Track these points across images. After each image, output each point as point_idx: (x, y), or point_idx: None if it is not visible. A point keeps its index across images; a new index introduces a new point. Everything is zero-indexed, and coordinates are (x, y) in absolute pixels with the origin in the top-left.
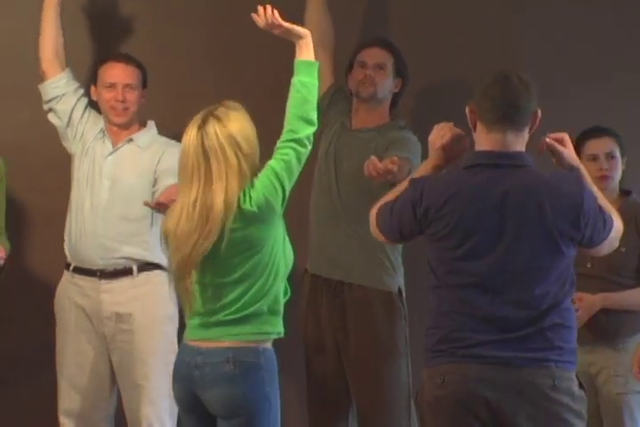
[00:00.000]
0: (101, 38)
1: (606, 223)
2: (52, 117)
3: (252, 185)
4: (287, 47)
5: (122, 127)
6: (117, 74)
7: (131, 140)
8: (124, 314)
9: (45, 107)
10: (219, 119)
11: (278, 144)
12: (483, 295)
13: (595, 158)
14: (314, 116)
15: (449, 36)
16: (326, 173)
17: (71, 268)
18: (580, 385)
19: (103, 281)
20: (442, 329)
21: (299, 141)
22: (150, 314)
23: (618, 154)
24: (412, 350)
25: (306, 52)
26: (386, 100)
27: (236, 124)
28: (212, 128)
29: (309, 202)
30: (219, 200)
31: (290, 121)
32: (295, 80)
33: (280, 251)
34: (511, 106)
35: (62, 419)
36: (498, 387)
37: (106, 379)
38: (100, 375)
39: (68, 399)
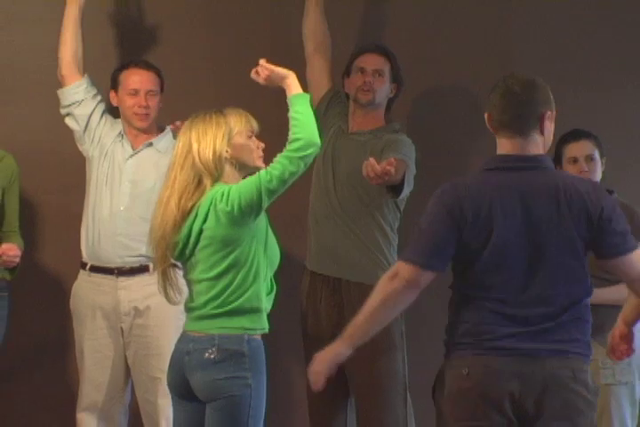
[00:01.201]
0: (114, 45)
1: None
2: (69, 121)
3: (235, 186)
4: (290, 54)
5: (142, 131)
6: (140, 80)
7: (150, 144)
8: (141, 309)
9: (63, 111)
10: (191, 122)
11: (275, 158)
12: (506, 293)
13: (575, 161)
14: (316, 138)
15: (444, 42)
16: (324, 174)
17: (88, 267)
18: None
19: (121, 278)
20: (466, 323)
21: (292, 160)
22: (166, 309)
23: (597, 155)
24: (407, 343)
25: (294, 89)
26: (382, 104)
27: (200, 128)
28: (182, 131)
29: (308, 203)
30: (163, 196)
31: (292, 143)
32: (291, 111)
33: (260, 252)
34: (510, 114)
35: (81, 414)
36: (522, 379)
37: (122, 372)
38: (117, 370)
39: (87, 395)
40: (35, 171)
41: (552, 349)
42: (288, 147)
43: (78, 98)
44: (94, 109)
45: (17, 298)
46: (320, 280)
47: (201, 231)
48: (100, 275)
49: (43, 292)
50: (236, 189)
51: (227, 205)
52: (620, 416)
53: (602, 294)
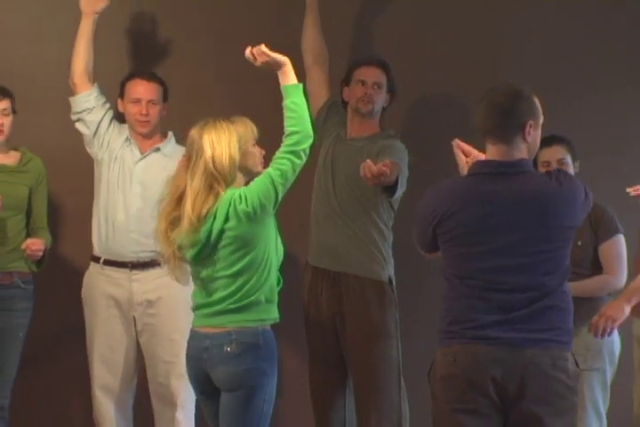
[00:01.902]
0: (127, 56)
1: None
2: (80, 126)
3: (248, 188)
4: (295, 64)
5: (145, 137)
6: (142, 90)
7: (158, 149)
8: (153, 300)
9: (74, 117)
10: (201, 128)
11: (277, 154)
12: (490, 282)
13: (548, 164)
14: (311, 130)
15: (436, 51)
16: (324, 177)
17: (101, 261)
18: (576, 363)
19: (134, 271)
20: (453, 311)
21: (296, 153)
22: (176, 299)
23: (569, 159)
24: (401, 331)
25: (290, 78)
26: (378, 113)
27: (213, 134)
28: (191, 133)
29: (310, 204)
30: (171, 199)
31: (291, 136)
32: (287, 102)
33: (272, 247)
34: (493, 123)
35: (97, 393)
36: (504, 367)
37: (132, 357)
38: (128, 354)
39: (101, 376)
40: (57, 172)
41: (534, 338)
42: (287, 141)
43: (89, 105)
44: (104, 116)
45: (40, 289)
46: (321, 274)
47: (222, 231)
48: (113, 268)
49: (63, 284)
50: (251, 190)
51: (247, 206)
52: (593, 400)
53: (576, 288)
